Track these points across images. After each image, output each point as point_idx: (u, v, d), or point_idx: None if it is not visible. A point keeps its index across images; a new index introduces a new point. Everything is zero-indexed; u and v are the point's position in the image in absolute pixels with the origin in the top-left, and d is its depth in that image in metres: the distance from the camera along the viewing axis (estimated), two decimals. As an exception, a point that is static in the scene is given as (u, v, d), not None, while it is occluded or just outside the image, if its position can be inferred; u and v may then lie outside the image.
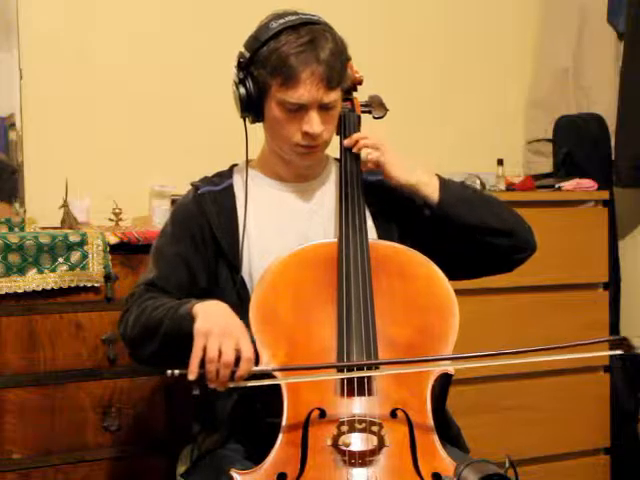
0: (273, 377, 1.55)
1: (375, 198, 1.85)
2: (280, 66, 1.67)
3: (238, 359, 1.50)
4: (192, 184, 1.87)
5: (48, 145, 2.75)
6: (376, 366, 1.56)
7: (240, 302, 1.72)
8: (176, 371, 1.48)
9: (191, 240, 1.78)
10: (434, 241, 1.79)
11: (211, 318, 1.54)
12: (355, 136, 1.82)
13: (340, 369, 1.56)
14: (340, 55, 1.71)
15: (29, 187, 2.66)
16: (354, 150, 1.81)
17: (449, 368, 1.60)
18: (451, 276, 1.75)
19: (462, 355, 1.57)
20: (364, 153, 1.79)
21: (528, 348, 1.51)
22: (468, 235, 1.77)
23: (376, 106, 1.94)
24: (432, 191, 1.77)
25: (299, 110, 1.70)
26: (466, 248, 1.79)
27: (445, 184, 1.79)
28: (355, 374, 1.53)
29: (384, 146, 1.79)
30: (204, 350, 1.49)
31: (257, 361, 1.55)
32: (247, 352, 1.50)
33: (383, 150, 1.79)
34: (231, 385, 1.51)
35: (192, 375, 1.48)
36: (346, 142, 1.83)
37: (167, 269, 1.77)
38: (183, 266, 1.77)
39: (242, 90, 1.74)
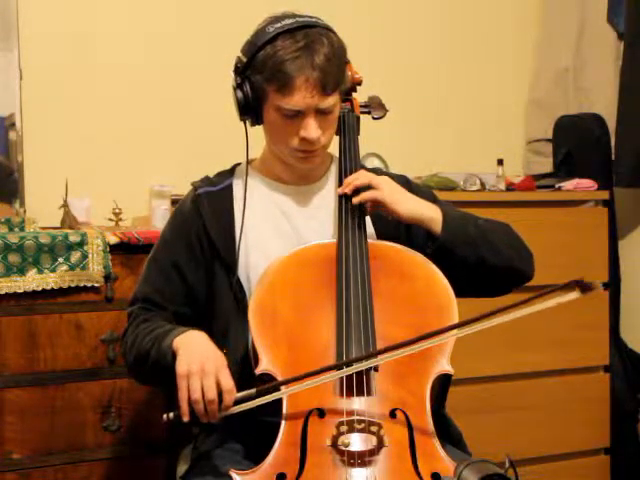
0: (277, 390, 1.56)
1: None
2: (275, 72, 1.66)
3: (221, 392, 1.54)
4: (192, 184, 1.87)
5: (48, 145, 2.75)
6: (374, 356, 1.55)
7: (237, 303, 1.73)
8: (170, 414, 1.54)
9: (187, 245, 1.79)
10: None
11: (189, 356, 1.56)
12: (347, 180, 1.78)
13: (339, 368, 1.56)
14: (337, 59, 1.69)
15: (29, 187, 2.67)
16: (347, 192, 1.75)
17: (448, 368, 1.60)
18: None
19: (452, 325, 1.56)
20: (358, 198, 1.74)
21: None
22: (465, 269, 1.76)
23: (375, 106, 1.94)
24: (435, 226, 1.73)
25: (296, 115, 1.69)
26: (462, 277, 1.77)
27: (447, 220, 1.74)
28: (354, 369, 1.53)
29: (380, 183, 1.74)
30: (188, 393, 1.53)
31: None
32: (226, 385, 1.53)
33: (379, 189, 1.74)
34: (222, 415, 1.55)
35: (185, 417, 1.53)
36: (339, 190, 1.78)
37: (161, 281, 1.79)
38: (178, 276, 1.78)
39: (240, 94, 1.73)
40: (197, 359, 1.55)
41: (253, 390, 1.55)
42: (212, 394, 1.52)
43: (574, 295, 1.45)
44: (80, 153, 2.80)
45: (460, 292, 1.74)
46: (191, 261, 1.78)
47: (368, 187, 1.75)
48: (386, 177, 1.79)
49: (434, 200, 1.86)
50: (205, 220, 1.79)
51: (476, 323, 1.51)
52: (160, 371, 1.63)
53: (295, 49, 1.65)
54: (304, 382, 1.53)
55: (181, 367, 1.55)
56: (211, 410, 1.53)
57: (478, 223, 1.80)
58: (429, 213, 1.74)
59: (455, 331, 1.54)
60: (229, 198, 1.82)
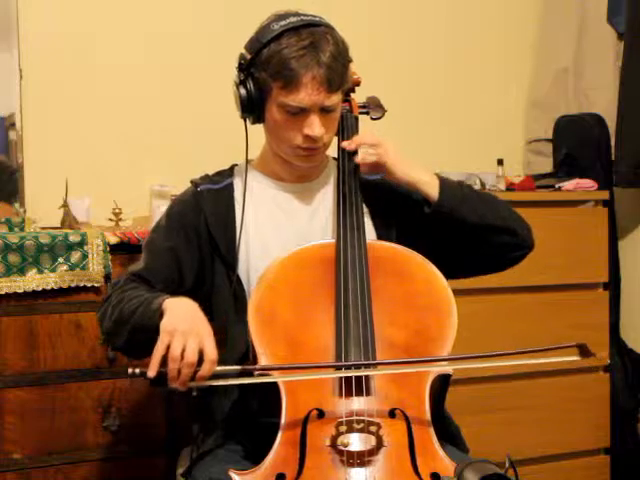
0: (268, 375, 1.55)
1: (373, 197, 1.84)
2: (281, 69, 1.66)
3: (201, 360, 1.49)
4: (192, 181, 1.87)
5: (48, 145, 2.75)
6: (374, 366, 1.56)
7: (236, 301, 1.73)
8: (137, 370, 1.48)
9: (185, 236, 1.78)
10: (433, 239, 1.79)
11: (178, 316, 1.53)
12: (355, 138, 1.81)
13: (339, 368, 1.56)
14: (341, 57, 1.71)
15: (29, 187, 2.67)
16: (352, 148, 1.79)
17: (447, 368, 1.60)
18: (449, 275, 1.75)
19: (460, 356, 1.58)
20: (362, 154, 1.78)
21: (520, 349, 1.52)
22: (468, 233, 1.77)
23: (374, 107, 1.94)
24: (432, 189, 1.77)
25: (300, 113, 1.69)
26: (465, 246, 1.79)
27: (444, 183, 1.79)
28: (348, 373, 1.53)
29: (384, 144, 1.78)
30: (168, 348, 1.49)
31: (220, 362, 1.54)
32: (211, 353, 1.50)
33: (383, 148, 1.77)
34: (192, 385, 1.50)
35: (152, 372, 1.48)
36: (344, 144, 1.81)
37: (156, 262, 1.77)
38: (173, 261, 1.76)
39: (243, 91, 1.73)
40: (185, 320, 1.52)
41: (238, 367, 1.52)
42: (193, 357, 1.47)
43: (573, 357, 1.51)
44: (80, 153, 2.80)
45: (461, 268, 1.77)
46: (188, 253, 1.77)
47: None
48: (389, 140, 1.80)
49: None
50: (207, 216, 1.78)
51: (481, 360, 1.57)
52: (140, 333, 1.59)
53: (301, 46, 1.65)
54: (293, 373, 1.53)
55: (167, 323, 1.51)
56: (185, 374, 1.48)
57: (474, 188, 1.85)
58: (426, 177, 1.78)
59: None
60: (230, 197, 1.83)
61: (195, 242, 1.78)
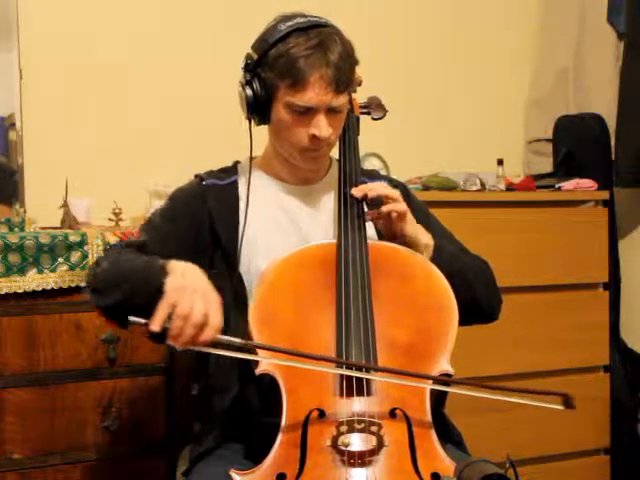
0: (255, 354, 1.54)
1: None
2: (289, 68, 1.66)
3: (204, 324, 1.46)
4: (197, 175, 1.86)
5: (48, 145, 2.75)
6: (367, 369, 1.55)
7: (236, 299, 1.72)
8: (141, 320, 1.45)
9: (188, 223, 1.76)
10: None
11: (186, 276, 1.51)
12: (368, 186, 1.75)
13: (339, 365, 1.55)
14: (349, 58, 1.71)
15: (29, 187, 2.66)
16: (369, 197, 1.73)
17: (448, 368, 1.60)
18: None
19: (461, 380, 1.59)
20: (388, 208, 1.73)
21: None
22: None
23: (375, 107, 1.94)
24: (426, 254, 1.76)
25: (307, 113, 1.69)
26: None
27: (438, 251, 1.77)
28: (348, 372, 1.53)
29: (400, 197, 1.74)
30: (173, 306, 1.46)
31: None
32: (215, 320, 1.47)
33: (402, 201, 1.74)
34: (190, 347, 1.48)
35: (155, 327, 1.44)
36: (355, 193, 1.74)
37: (156, 244, 1.72)
38: (174, 247, 1.72)
39: (249, 92, 1.73)
40: (194, 281, 1.50)
41: (239, 340, 1.49)
42: (199, 318, 1.45)
43: (556, 406, 1.58)
44: (80, 153, 2.80)
45: None
46: (189, 239, 1.75)
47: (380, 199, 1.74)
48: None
49: (427, 214, 1.90)
50: (211, 210, 1.78)
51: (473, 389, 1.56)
52: (138, 292, 1.53)
53: (309, 46, 1.65)
54: (293, 359, 1.51)
55: (175, 281, 1.48)
56: (187, 335, 1.45)
57: (464, 261, 1.82)
58: (426, 240, 1.76)
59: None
60: (234, 194, 1.82)
61: (196, 231, 1.76)
